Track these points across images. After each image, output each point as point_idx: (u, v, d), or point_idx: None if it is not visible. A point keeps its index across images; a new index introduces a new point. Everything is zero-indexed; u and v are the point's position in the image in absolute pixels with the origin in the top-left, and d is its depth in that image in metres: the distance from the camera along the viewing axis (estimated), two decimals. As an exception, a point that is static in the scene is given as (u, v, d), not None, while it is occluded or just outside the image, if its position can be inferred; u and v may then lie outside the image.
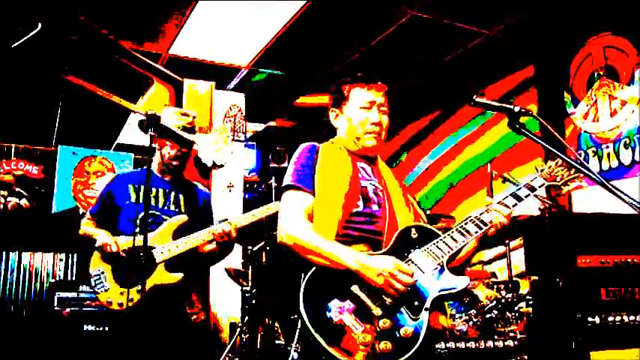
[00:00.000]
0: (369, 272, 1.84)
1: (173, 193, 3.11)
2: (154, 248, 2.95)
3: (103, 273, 2.96)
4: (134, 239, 2.85)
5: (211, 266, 3.43)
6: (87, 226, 3.14)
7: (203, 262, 3.22)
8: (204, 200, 3.26)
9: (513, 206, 2.09)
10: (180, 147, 3.10)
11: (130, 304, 2.86)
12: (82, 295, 4.42)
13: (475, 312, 3.68)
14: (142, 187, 3.06)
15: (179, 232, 2.98)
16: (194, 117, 3.20)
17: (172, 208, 3.08)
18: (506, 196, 2.12)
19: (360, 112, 2.17)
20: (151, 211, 2.99)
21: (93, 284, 2.95)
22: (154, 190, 3.09)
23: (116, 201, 3.10)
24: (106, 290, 2.94)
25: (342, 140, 2.25)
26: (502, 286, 3.98)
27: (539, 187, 2.18)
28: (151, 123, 2.77)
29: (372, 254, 1.93)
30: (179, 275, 2.93)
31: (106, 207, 3.13)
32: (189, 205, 3.13)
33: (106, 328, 3.83)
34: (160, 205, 3.08)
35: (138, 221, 2.96)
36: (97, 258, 2.99)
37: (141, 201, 3.04)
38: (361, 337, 1.75)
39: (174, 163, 3.11)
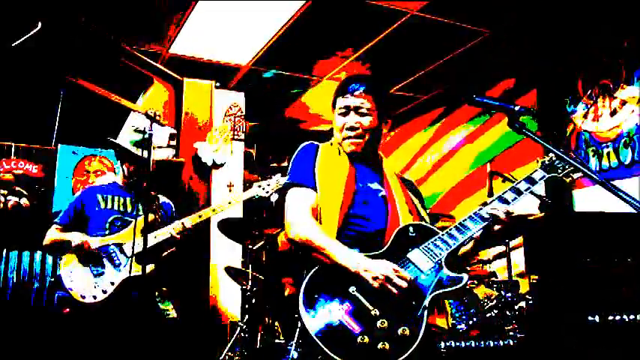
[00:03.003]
0: (366, 275, 1.84)
1: (139, 203, 3.36)
2: (124, 244, 3.27)
3: (75, 270, 3.22)
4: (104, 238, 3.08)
5: (178, 266, 3.75)
6: (54, 234, 3.42)
7: (169, 263, 3.48)
8: (169, 211, 3.60)
9: (513, 200, 2.05)
10: (136, 163, 3.43)
11: (105, 295, 3.14)
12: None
13: (475, 311, 3.68)
14: (110, 197, 3.44)
15: (148, 231, 3.14)
16: (151, 134, 3.30)
17: (140, 214, 3.28)
18: (505, 191, 2.09)
19: (339, 118, 2.21)
20: (119, 215, 3.39)
21: (65, 282, 3.20)
22: (121, 198, 3.46)
23: (86, 210, 3.41)
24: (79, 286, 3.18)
25: (338, 141, 2.27)
26: (502, 286, 3.98)
27: (540, 179, 2.13)
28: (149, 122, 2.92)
29: (370, 255, 1.92)
30: (150, 267, 3.20)
31: (76, 216, 3.43)
32: (154, 214, 3.42)
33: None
34: (129, 211, 3.43)
35: (107, 224, 3.34)
36: (69, 258, 3.25)
37: (109, 207, 3.40)
38: (360, 337, 1.75)
39: (135, 177, 3.46)
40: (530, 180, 2.12)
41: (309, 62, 6.23)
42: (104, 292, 3.16)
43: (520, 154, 5.61)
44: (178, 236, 3.31)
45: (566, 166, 2.13)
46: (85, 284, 3.18)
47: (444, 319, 1.99)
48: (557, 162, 2.15)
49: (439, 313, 1.97)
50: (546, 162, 2.17)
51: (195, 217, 3.40)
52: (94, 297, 3.15)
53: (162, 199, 3.66)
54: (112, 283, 3.18)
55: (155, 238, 3.26)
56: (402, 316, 1.80)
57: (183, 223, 3.33)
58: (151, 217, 3.31)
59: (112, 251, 3.25)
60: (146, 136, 3.34)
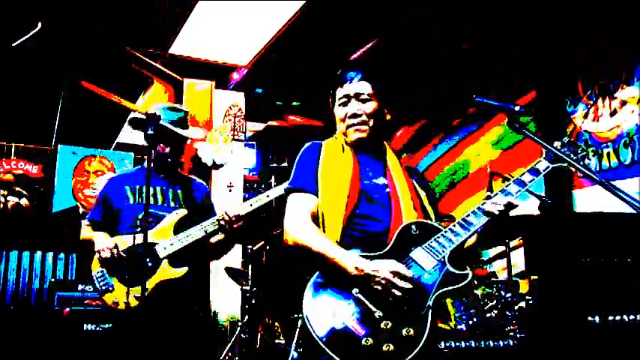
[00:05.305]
0: (367, 278, 1.82)
1: (171, 190, 3.08)
2: (157, 244, 2.92)
3: (105, 272, 2.93)
4: (134, 238, 2.88)
5: (219, 258, 3.41)
6: (84, 231, 3.12)
7: (211, 255, 3.21)
8: (204, 194, 3.22)
9: (517, 192, 1.99)
10: (172, 143, 3.07)
11: (137, 302, 2.82)
12: (84, 294, 4.41)
13: (475, 311, 3.68)
14: (138, 187, 3.06)
15: (180, 227, 2.95)
16: (186, 112, 3.18)
17: (172, 205, 3.04)
18: (509, 184, 2.02)
19: (340, 109, 2.18)
20: (150, 210, 2.94)
21: (97, 285, 2.91)
22: (151, 189, 3.03)
23: (114, 204, 3.07)
24: (111, 290, 2.90)
25: (341, 135, 2.25)
26: (502, 286, 3.98)
27: (544, 170, 2.05)
28: (149, 122, 2.75)
29: (371, 256, 1.90)
30: (184, 269, 2.90)
31: (105, 211, 3.10)
32: (188, 200, 3.10)
33: (107, 327, 3.84)
34: (160, 202, 3.05)
35: (137, 221, 2.95)
36: (97, 259, 2.95)
37: (138, 201, 3.03)
38: (364, 340, 1.74)
39: (169, 159, 3.08)
40: (534, 171, 2.05)
41: (309, 62, 6.23)
42: (136, 298, 2.83)
43: (520, 154, 5.61)
44: (228, 225, 2.91)
45: (572, 156, 2.00)
46: (117, 289, 2.89)
47: (446, 323, 1.96)
48: (561, 152, 2.02)
49: (442, 318, 1.94)
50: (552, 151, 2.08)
51: (247, 205, 2.98)
52: (126, 303, 2.85)
53: (197, 181, 3.28)
54: (144, 289, 2.84)
55: (188, 237, 2.93)
56: (407, 317, 1.78)
57: (226, 212, 2.92)
58: (182, 212, 3.02)
59: (142, 253, 2.89)
60: (182, 114, 3.12)
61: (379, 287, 1.80)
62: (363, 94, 2.15)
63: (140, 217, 2.94)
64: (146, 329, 2.85)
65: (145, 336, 2.86)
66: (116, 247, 2.88)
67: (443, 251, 1.91)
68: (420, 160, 7.55)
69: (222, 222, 2.90)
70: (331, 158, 2.13)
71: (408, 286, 1.80)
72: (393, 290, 1.79)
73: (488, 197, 2.01)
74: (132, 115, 3.03)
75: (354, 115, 2.14)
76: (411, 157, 7.66)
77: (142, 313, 2.82)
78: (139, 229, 2.93)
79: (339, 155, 2.15)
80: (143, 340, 2.86)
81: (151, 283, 2.86)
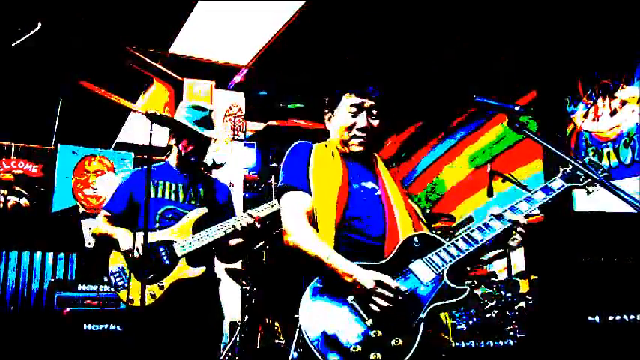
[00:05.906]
0: (357, 286, 1.82)
1: (192, 189, 3.08)
2: (175, 242, 2.91)
3: (123, 269, 2.90)
4: (150, 234, 2.85)
5: (237, 261, 3.39)
6: (102, 226, 3.05)
7: (229, 258, 3.20)
8: (225, 195, 3.20)
9: (526, 211, 1.96)
10: (196, 142, 3.06)
11: (152, 300, 2.80)
12: (85, 294, 4.42)
13: (475, 311, 3.68)
14: (162, 183, 3.04)
15: (199, 226, 2.94)
16: (211, 110, 3.16)
17: (193, 203, 3.03)
18: (520, 201, 1.99)
19: (348, 116, 2.15)
20: (171, 206, 2.99)
21: (113, 281, 2.90)
22: (173, 185, 3.05)
23: (136, 197, 3.04)
24: (126, 287, 2.87)
25: (334, 142, 2.23)
26: (502, 286, 3.98)
27: (559, 189, 2.01)
28: (154, 122, 2.74)
29: (371, 266, 1.89)
30: (201, 269, 2.89)
31: (125, 203, 3.06)
32: (209, 200, 3.09)
33: (108, 327, 3.84)
34: (181, 200, 3.03)
35: (158, 216, 2.93)
36: (116, 255, 2.93)
37: (161, 196, 3.01)
38: (353, 347, 1.75)
39: (192, 158, 3.06)
40: (548, 190, 2.02)
41: (308, 62, 6.23)
42: (152, 295, 2.82)
43: (520, 154, 5.61)
44: (246, 229, 2.89)
45: (587, 176, 1.91)
46: (133, 286, 2.84)
47: (443, 336, 1.95)
48: (578, 171, 1.99)
49: (440, 331, 1.93)
50: (568, 171, 2.04)
51: (267, 206, 2.95)
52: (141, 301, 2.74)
53: (219, 182, 3.26)
54: (162, 287, 2.83)
55: (207, 236, 2.91)
56: (397, 327, 1.77)
57: (250, 215, 2.91)
58: (202, 210, 3.01)
59: (160, 250, 2.89)
60: (207, 113, 3.09)
61: (365, 296, 1.80)
62: (376, 110, 2.15)
63: (160, 212, 2.95)
64: (158, 327, 2.82)
65: (156, 333, 2.82)
66: (138, 249, 2.82)
67: (443, 265, 1.89)
68: (419, 160, 7.56)
69: (244, 224, 2.89)
70: (321, 163, 2.12)
71: (392, 295, 1.78)
72: (377, 300, 1.78)
73: (497, 214, 1.96)
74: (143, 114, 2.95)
75: (364, 129, 2.12)
76: (399, 170, 7.67)
77: (157, 311, 2.80)
78: (157, 226, 2.92)
79: (329, 161, 2.13)
80: (153, 338, 2.82)
81: (167, 281, 2.84)
